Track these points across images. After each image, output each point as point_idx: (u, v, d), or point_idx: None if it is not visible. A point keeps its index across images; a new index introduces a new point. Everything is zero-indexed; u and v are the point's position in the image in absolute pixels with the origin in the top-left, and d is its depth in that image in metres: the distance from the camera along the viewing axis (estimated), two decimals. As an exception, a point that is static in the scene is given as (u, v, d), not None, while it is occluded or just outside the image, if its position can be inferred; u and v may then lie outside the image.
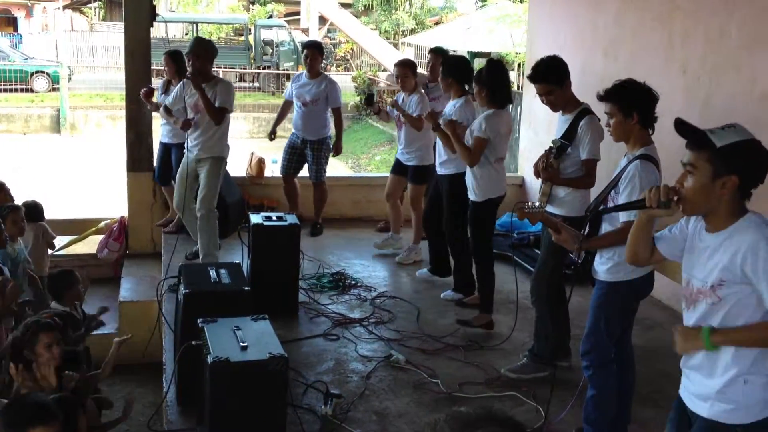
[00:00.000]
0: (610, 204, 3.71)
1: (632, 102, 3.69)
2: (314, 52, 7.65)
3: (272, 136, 8.28)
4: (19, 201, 6.69)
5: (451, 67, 5.96)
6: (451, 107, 5.83)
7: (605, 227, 3.80)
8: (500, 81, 5.34)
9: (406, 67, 6.83)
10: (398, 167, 7.04)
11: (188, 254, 6.81)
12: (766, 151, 2.52)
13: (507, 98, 5.36)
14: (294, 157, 7.79)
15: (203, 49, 6.19)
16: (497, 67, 5.47)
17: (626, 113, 3.69)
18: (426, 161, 6.77)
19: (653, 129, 3.77)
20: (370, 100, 7.44)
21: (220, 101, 6.12)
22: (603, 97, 3.79)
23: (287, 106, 8.02)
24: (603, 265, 3.81)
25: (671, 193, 2.58)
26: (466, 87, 5.82)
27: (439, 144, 5.97)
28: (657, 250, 2.86)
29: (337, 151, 7.92)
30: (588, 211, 3.86)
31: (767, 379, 2.55)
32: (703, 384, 2.65)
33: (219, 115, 6.13)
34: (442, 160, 6.00)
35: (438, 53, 7.34)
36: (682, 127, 2.59)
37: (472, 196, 5.48)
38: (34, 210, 7.11)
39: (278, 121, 8.22)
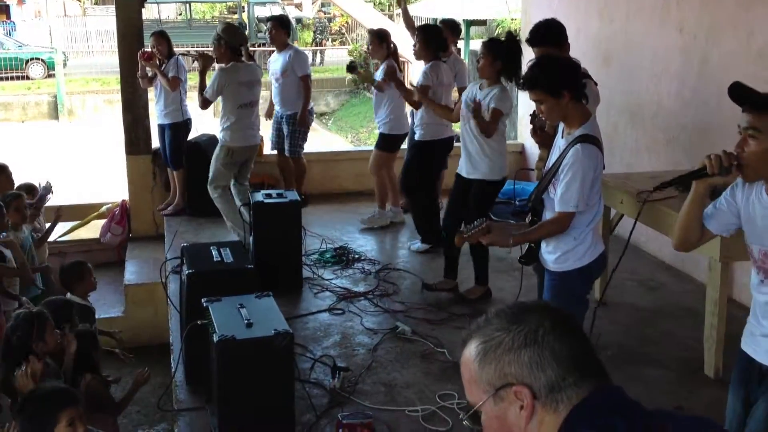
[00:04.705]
0: (552, 190, 3.52)
1: (559, 81, 3.43)
2: (275, 25, 7.67)
3: (267, 117, 8.16)
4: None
5: (428, 34, 6.32)
6: (422, 73, 6.14)
7: (547, 215, 3.62)
8: (517, 59, 5.14)
9: (372, 35, 6.99)
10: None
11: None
12: None
13: (515, 76, 5.08)
14: (279, 133, 7.78)
15: (217, 36, 6.44)
16: (517, 44, 5.20)
17: (556, 95, 3.42)
18: (396, 130, 6.90)
19: (586, 98, 3.57)
20: (351, 68, 7.48)
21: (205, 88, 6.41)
22: (526, 86, 3.53)
23: None
24: (551, 255, 3.64)
25: (732, 159, 2.46)
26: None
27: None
28: (707, 230, 2.71)
29: (301, 121, 7.55)
30: (530, 201, 3.70)
31: None
32: None
33: (201, 102, 6.41)
34: (416, 125, 6.41)
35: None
36: (740, 90, 2.47)
37: (479, 175, 5.31)
38: None
39: (271, 104, 8.07)
